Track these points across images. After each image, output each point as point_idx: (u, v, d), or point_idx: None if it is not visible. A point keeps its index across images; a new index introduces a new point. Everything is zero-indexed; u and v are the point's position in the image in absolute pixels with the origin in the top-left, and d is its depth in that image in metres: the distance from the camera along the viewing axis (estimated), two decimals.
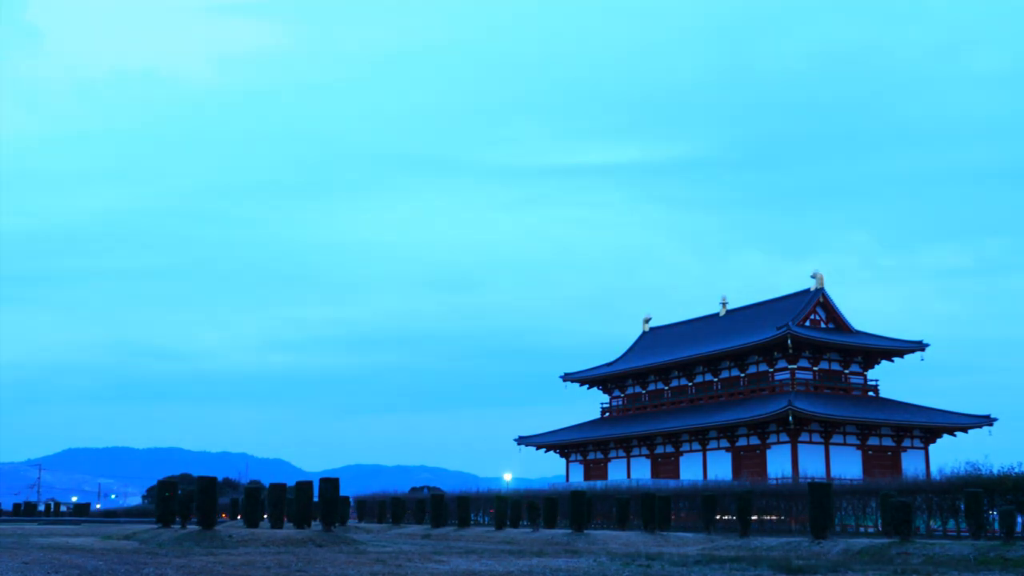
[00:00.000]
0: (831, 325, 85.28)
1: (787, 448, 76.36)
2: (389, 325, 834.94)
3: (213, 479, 36.18)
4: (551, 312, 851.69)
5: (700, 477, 79.65)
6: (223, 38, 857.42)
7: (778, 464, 75.26)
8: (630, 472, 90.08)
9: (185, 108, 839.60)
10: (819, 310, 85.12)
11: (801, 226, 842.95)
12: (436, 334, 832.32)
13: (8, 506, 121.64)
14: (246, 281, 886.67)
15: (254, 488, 41.27)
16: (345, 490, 52.96)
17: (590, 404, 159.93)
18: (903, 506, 30.65)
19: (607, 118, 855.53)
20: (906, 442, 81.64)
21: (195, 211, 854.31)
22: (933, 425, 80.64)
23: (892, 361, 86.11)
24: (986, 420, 79.67)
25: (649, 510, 43.94)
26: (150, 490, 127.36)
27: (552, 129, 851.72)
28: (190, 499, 40.29)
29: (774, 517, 52.47)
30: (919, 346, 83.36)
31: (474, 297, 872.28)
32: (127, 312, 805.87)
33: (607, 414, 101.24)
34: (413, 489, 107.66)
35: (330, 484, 39.22)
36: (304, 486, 41.15)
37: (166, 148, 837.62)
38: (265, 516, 43.60)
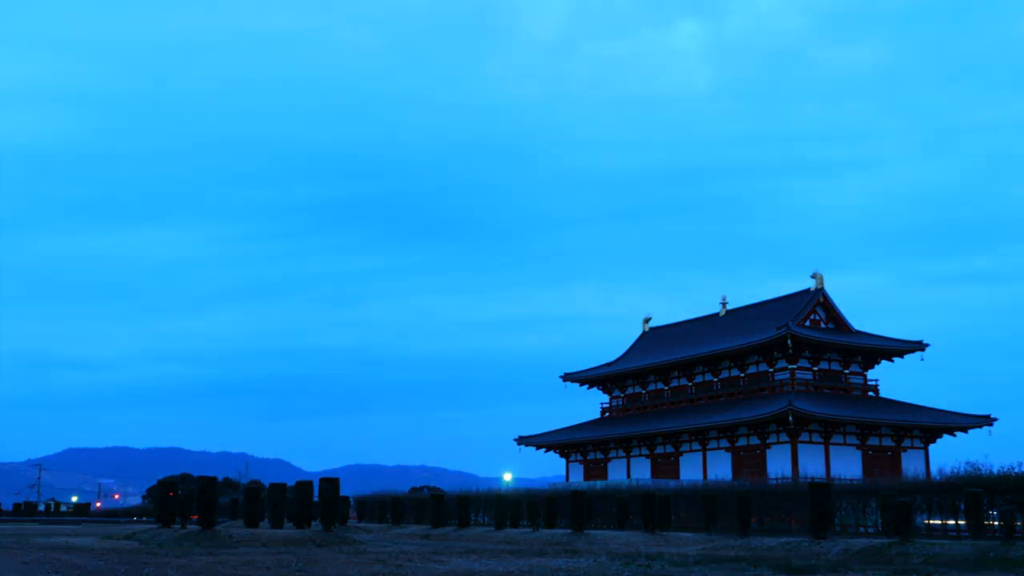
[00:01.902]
0: (831, 325, 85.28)
1: (787, 448, 76.36)
2: (264, 337, 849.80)
3: (213, 479, 36.19)
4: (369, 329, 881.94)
5: (700, 477, 79.62)
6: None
7: (778, 464, 75.21)
8: (630, 472, 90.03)
9: None
10: (819, 310, 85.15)
11: (540, 255, 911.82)
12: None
13: (8, 506, 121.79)
14: (92, 300, 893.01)
15: (254, 488, 41.25)
16: (345, 490, 52.86)
17: (590, 404, 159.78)
18: (903, 506, 30.65)
19: (253, 166, 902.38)
20: (906, 442, 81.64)
21: None
22: (933, 425, 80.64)
23: (892, 361, 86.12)
24: (986, 420, 79.66)
25: (649, 510, 43.92)
26: (150, 490, 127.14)
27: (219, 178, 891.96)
28: (190, 499, 40.30)
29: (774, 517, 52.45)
30: (919, 346, 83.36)
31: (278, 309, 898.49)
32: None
33: (607, 414, 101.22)
34: (413, 489, 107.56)
35: (330, 484, 39.23)
36: (304, 486, 41.17)
37: None
38: (265, 516, 43.59)
